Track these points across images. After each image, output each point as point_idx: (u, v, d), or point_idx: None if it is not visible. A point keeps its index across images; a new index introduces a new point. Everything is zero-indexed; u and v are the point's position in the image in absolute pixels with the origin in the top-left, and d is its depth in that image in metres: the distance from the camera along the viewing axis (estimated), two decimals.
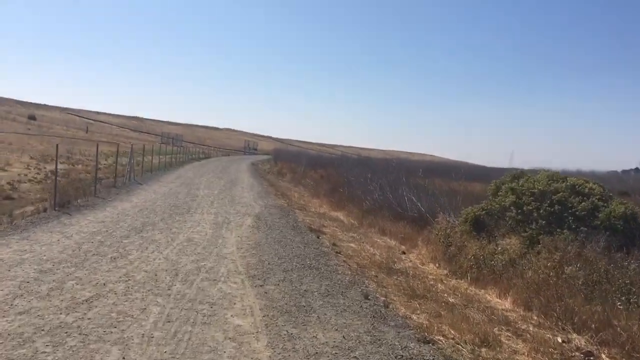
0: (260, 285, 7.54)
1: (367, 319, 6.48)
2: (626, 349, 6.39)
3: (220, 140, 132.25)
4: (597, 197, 11.23)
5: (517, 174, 13.23)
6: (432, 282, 9.31)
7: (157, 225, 11.95)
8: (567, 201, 11.05)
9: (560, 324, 7.31)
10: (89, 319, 5.59)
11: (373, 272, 9.27)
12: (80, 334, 5.16)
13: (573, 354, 6.30)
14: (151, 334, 5.31)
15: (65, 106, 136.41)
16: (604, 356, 6.37)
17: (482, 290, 9.21)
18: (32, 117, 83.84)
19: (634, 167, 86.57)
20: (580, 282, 8.48)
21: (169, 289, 6.95)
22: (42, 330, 5.17)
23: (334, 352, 5.30)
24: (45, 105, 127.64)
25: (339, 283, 8.15)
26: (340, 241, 12.31)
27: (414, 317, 6.79)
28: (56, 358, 4.60)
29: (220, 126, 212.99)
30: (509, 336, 6.62)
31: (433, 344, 5.82)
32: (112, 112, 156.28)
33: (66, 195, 14.33)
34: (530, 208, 11.17)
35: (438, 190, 18.84)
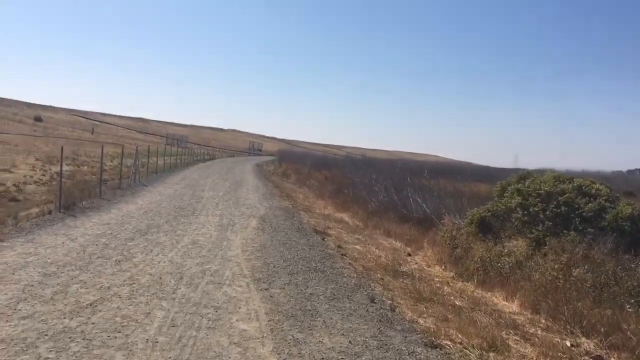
0: (266, 289, 7.49)
1: (374, 323, 6.41)
2: (636, 353, 6.31)
3: (225, 141, 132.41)
4: (604, 198, 11.13)
5: (523, 175, 13.15)
6: (438, 285, 9.24)
7: (162, 227, 11.93)
8: (573, 202, 10.95)
9: (568, 327, 7.21)
10: (92, 323, 5.55)
11: (379, 275, 9.20)
12: (84, 339, 5.12)
13: (582, 358, 6.21)
14: (155, 339, 5.27)
15: (71, 107, 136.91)
16: None
17: (489, 293, 9.12)
18: (38, 119, 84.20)
19: (639, 167, 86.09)
20: (588, 285, 8.39)
21: (173, 293, 6.91)
22: (46, 335, 5.14)
23: (340, 357, 5.23)
24: (51, 106, 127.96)
25: (345, 286, 8.09)
26: (346, 243, 12.25)
27: (421, 321, 6.72)
28: None
29: (225, 127, 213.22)
30: (517, 340, 6.54)
31: (440, 349, 5.75)
32: (118, 114, 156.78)
33: (71, 197, 14.34)
34: (537, 209, 11.07)
35: (443, 191, 18.81)
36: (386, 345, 5.69)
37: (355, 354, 5.34)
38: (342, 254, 10.68)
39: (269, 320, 6.12)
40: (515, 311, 8.12)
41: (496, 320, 7.27)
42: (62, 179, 14.53)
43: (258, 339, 5.52)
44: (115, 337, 5.21)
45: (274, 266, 8.98)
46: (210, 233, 11.68)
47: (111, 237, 10.32)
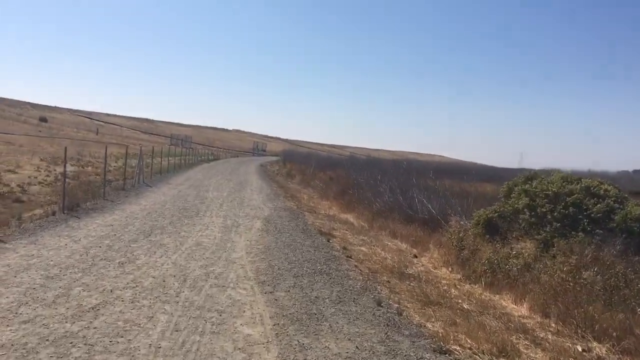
0: (270, 292, 7.37)
1: (381, 327, 6.29)
2: None
3: (229, 142, 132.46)
4: (612, 198, 10.98)
5: (530, 176, 12.99)
6: (445, 288, 9.10)
7: (165, 228, 11.84)
8: (581, 203, 10.81)
9: (579, 331, 7.07)
10: (94, 328, 5.45)
11: (385, 277, 9.07)
12: (85, 344, 5.02)
13: None
14: (158, 344, 5.16)
15: (76, 108, 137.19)
16: None
17: (497, 296, 8.98)
18: (43, 119, 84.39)
19: None
20: (598, 288, 8.25)
21: (177, 296, 6.80)
22: (47, 340, 5.04)
23: None
24: (56, 107, 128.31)
25: (351, 289, 7.97)
26: (351, 245, 12.13)
27: (429, 325, 6.59)
28: None
29: (229, 127, 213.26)
30: (528, 345, 6.41)
31: (450, 355, 5.62)
32: (123, 114, 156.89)
33: (75, 198, 14.28)
34: (544, 210, 10.93)
35: (449, 192, 18.61)
36: (394, 350, 5.57)
37: None
38: (347, 256, 10.56)
39: (274, 325, 6.01)
40: (524, 315, 7.98)
41: (505, 324, 7.13)
42: (66, 180, 14.47)
43: (263, 344, 5.41)
44: (118, 342, 5.11)
45: (278, 268, 8.87)
46: (214, 235, 11.58)
47: (114, 238, 10.24)
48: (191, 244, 10.28)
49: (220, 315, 6.18)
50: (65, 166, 14.90)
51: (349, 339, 5.76)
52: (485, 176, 33.65)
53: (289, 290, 7.54)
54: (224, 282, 7.71)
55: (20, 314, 5.69)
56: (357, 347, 5.53)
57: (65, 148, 15.07)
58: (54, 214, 12.39)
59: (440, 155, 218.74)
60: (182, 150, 48.69)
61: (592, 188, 11.22)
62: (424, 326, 6.54)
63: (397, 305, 7.33)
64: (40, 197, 15.11)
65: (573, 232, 10.21)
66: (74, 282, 7.05)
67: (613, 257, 9.30)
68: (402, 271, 9.68)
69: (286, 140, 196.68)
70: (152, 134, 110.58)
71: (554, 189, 11.15)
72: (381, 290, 8.11)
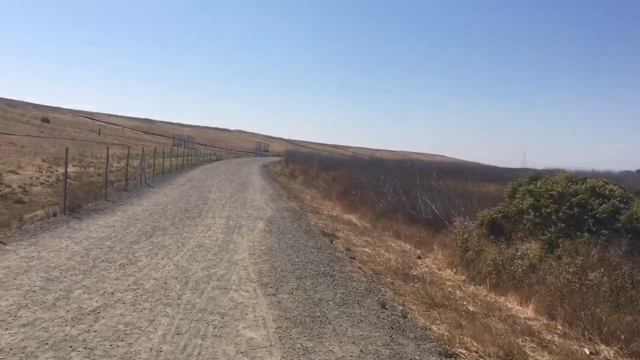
0: (273, 294, 7.29)
1: (385, 330, 6.19)
2: None
3: (231, 142, 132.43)
4: (617, 199, 10.88)
5: (535, 176, 12.88)
6: (450, 289, 9.00)
7: (167, 229, 11.76)
8: (587, 203, 10.70)
9: (587, 333, 6.97)
10: (95, 331, 5.37)
11: (389, 279, 8.97)
12: (85, 348, 4.93)
13: None
14: (160, 347, 5.08)
15: (78, 109, 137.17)
16: None
17: (502, 298, 8.88)
18: (45, 120, 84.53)
19: None
20: (605, 289, 8.14)
21: (178, 299, 6.72)
22: (46, 344, 4.96)
23: None
24: (58, 108, 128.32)
25: (355, 291, 7.88)
26: (354, 246, 12.03)
27: (434, 328, 6.49)
28: None
29: (232, 128, 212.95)
30: (534, 347, 6.31)
31: (455, 358, 5.53)
32: (125, 115, 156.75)
33: (76, 199, 14.23)
34: (549, 211, 10.83)
35: (452, 192, 18.50)
36: (399, 354, 5.47)
37: None
38: (351, 257, 10.47)
39: (277, 328, 5.92)
40: (530, 317, 7.88)
41: (511, 326, 7.04)
42: (68, 181, 14.41)
43: (266, 347, 5.32)
44: (118, 346, 5.02)
45: (281, 270, 8.79)
46: (217, 236, 11.51)
47: (116, 240, 10.17)
48: (193, 245, 10.21)
49: (223, 318, 6.10)
50: (66, 167, 14.85)
51: (353, 342, 5.67)
52: (488, 176, 33.52)
53: (292, 293, 7.45)
54: (226, 284, 7.62)
55: (20, 317, 5.62)
56: (361, 351, 5.44)
57: (67, 149, 15.03)
58: (55, 215, 12.33)
59: (442, 155, 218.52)
60: (184, 151, 48.68)
61: (597, 188, 11.12)
62: (429, 329, 6.45)
63: (401, 307, 7.23)
64: (41, 198, 15.06)
65: (578, 233, 10.10)
66: (75, 284, 6.98)
67: (619, 257, 9.19)
68: (406, 272, 9.59)
69: (288, 141, 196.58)
70: (154, 134, 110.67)
71: (558, 189, 11.05)
72: (385, 292, 8.02)
